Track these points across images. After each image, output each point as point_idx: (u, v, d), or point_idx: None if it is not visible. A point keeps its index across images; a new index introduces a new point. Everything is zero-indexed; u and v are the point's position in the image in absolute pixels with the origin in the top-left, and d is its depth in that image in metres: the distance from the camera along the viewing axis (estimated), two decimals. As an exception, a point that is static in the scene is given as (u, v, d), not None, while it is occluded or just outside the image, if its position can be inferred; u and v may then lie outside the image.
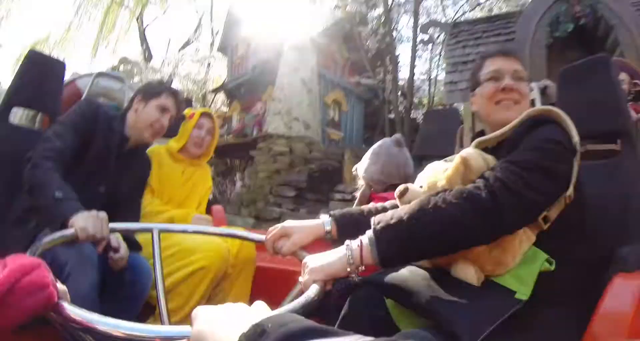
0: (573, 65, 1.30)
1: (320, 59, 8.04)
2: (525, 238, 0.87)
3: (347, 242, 0.86)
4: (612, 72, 1.22)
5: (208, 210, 1.94)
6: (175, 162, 1.79)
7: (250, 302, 0.40)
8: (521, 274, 0.83)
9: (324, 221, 1.07)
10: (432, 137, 1.82)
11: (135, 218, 1.48)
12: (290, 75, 7.50)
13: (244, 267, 1.57)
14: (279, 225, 1.07)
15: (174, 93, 1.54)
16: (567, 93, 1.30)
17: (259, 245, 1.20)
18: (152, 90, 1.51)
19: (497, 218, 0.79)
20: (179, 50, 12.72)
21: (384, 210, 1.07)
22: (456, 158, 0.91)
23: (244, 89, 9.06)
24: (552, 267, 0.84)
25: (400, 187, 0.93)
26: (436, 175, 0.94)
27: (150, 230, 1.18)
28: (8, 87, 1.50)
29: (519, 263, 0.85)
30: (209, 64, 12.36)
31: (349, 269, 0.83)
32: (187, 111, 1.82)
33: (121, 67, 10.50)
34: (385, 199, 1.30)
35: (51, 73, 1.59)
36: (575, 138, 0.90)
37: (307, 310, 0.70)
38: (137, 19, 12.17)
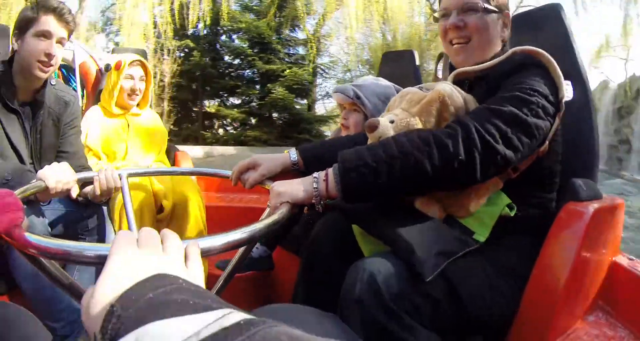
0: (526, 12, 1.32)
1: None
2: (491, 186, 0.87)
3: (315, 174, 0.84)
4: (565, 19, 1.21)
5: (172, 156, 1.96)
6: (114, 117, 1.73)
7: None
8: (482, 216, 0.86)
9: (290, 153, 1.07)
10: (390, 78, 1.78)
11: (82, 166, 1.44)
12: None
13: (186, 205, 1.58)
14: (246, 159, 1.07)
15: (54, 10, 1.25)
16: (520, 38, 1.26)
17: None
18: (25, 20, 1.25)
19: (467, 170, 0.77)
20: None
21: (351, 143, 1.06)
22: (432, 92, 0.86)
23: None
24: (512, 213, 0.88)
25: (371, 121, 0.88)
26: (409, 108, 0.89)
27: (119, 175, 1.22)
28: None
29: (482, 204, 0.86)
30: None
31: (314, 200, 0.82)
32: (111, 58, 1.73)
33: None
34: None
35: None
36: (563, 92, 0.87)
37: (274, 230, 0.70)
38: None
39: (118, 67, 1.68)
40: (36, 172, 1.10)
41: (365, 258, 0.81)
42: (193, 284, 0.31)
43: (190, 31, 11.12)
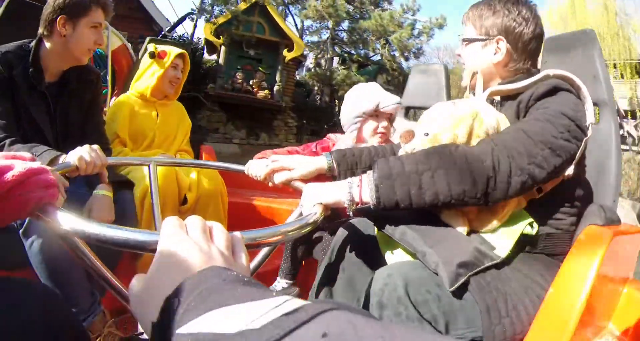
0: (559, 35, 1.33)
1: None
2: (516, 204, 0.89)
3: (349, 179, 0.87)
4: (597, 45, 1.24)
5: (197, 149, 2.02)
6: (147, 106, 1.78)
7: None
8: (504, 232, 0.88)
9: (325, 158, 1.08)
10: (420, 91, 1.88)
11: (106, 144, 1.46)
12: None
13: (210, 199, 1.64)
14: (277, 156, 1.10)
15: (104, 3, 1.34)
16: (552, 61, 1.29)
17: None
18: (78, 7, 1.29)
19: (497, 188, 0.80)
20: None
21: (383, 152, 1.12)
22: (467, 109, 0.89)
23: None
24: (534, 231, 0.89)
25: (408, 133, 0.92)
26: (443, 123, 0.90)
27: (147, 164, 1.24)
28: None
29: (505, 221, 0.89)
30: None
31: (346, 204, 0.84)
32: (153, 48, 1.77)
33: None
34: None
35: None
36: (590, 119, 0.89)
37: (306, 229, 0.71)
38: None
39: (163, 56, 1.75)
40: (61, 153, 1.11)
41: (391, 265, 0.83)
42: (245, 276, 0.31)
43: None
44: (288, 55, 8.57)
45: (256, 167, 1.12)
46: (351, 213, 0.86)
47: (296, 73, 10.09)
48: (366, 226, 1.05)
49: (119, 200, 1.31)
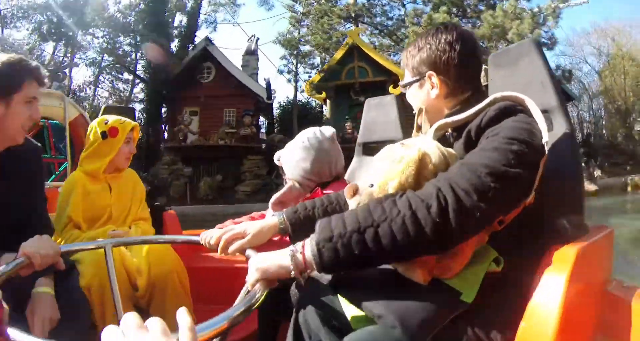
0: (503, 50, 1.34)
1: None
2: (476, 242, 0.84)
3: (292, 246, 0.83)
4: (542, 53, 1.22)
5: (156, 212, 1.91)
6: (99, 182, 1.68)
7: (195, 305, 0.40)
8: (468, 275, 0.82)
9: (278, 220, 1.07)
10: (375, 124, 1.86)
11: (48, 230, 1.34)
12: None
13: (166, 281, 1.50)
14: (231, 226, 1.09)
15: (37, 74, 1.21)
16: (499, 77, 1.30)
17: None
18: (10, 83, 1.16)
19: (446, 233, 0.73)
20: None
21: (337, 200, 1.10)
22: (412, 152, 0.84)
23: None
24: (499, 268, 0.84)
25: (351, 187, 0.87)
26: (388, 171, 0.85)
27: (102, 247, 1.19)
28: None
29: (467, 262, 0.83)
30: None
31: (293, 274, 0.81)
32: (101, 123, 1.65)
33: None
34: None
35: None
36: (545, 137, 0.82)
37: (252, 310, 0.74)
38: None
39: (115, 134, 1.65)
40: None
41: (350, 335, 0.80)
42: None
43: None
44: (394, 91, 8.51)
45: (210, 237, 1.10)
46: (302, 282, 0.82)
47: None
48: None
49: (65, 293, 1.17)
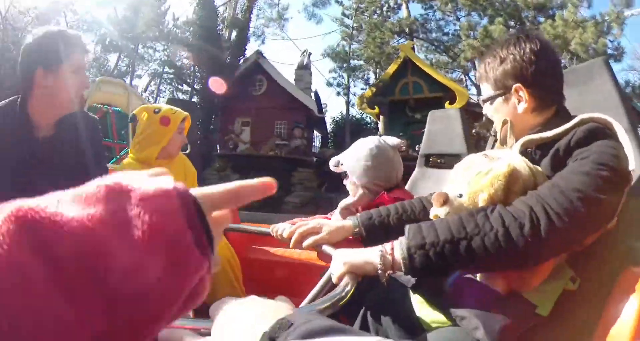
0: (571, 69, 1.33)
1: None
2: (556, 260, 0.87)
3: (380, 247, 0.85)
4: (612, 72, 1.20)
5: None
6: (150, 168, 1.74)
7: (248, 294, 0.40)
8: (545, 291, 0.84)
9: (353, 224, 1.08)
10: (439, 136, 1.87)
11: None
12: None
13: (220, 269, 1.50)
14: (305, 221, 1.11)
15: (78, 41, 1.27)
16: (567, 95, 1.28)
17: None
18: (56, 54, 1.22)
19: (535, 253, 0.77)
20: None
21: (412, 209, 1.11)
22: (501, 165, 0.85)
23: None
24: (575, 287, 0.86)
25: (440, 196, 0.88)
26: (478, 182, 0.86)
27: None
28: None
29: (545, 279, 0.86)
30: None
31: (379, 271, 0.83)
32: (150, 111, 1.68)
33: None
34: (397, 199, 1.25)
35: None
36: (632, 165, 0.83)
37: (340, 304, 0.71)
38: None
39: (167, 122, 1.69)
40: None
41: (431, 333, 0.83)
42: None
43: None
44: (450, 108, 8.37)
45: (282, 230, 1.13)
46: (384, 281, 0.85)
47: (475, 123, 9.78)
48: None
49: None
